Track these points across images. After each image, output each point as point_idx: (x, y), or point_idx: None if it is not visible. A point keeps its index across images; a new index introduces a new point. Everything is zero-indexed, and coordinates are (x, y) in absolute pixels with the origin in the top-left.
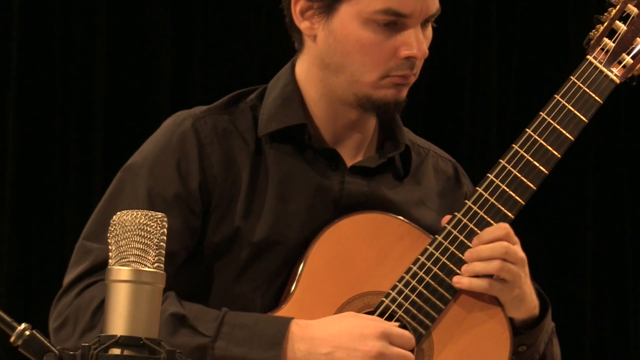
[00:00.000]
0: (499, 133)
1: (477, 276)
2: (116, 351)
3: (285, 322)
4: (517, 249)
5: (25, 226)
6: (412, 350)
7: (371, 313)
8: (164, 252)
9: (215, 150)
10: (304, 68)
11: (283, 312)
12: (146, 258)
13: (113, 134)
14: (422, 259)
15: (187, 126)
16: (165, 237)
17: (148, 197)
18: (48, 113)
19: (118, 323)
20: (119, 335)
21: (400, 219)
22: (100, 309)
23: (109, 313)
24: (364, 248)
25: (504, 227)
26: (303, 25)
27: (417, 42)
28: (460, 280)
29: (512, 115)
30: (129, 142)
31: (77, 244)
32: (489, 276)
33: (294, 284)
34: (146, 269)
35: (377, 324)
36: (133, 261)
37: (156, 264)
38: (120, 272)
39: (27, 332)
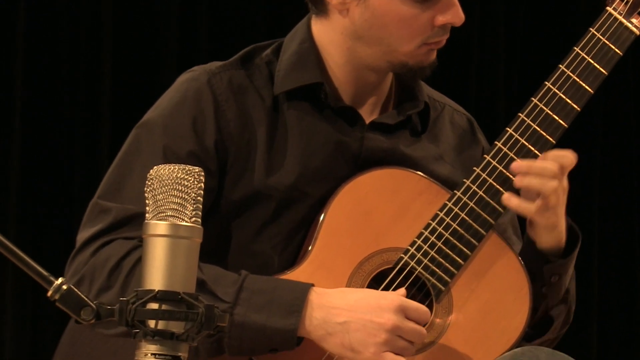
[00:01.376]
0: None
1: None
2: (154, 306)
3: (304, 289)
4: (565, 177)
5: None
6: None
7: (390, 270)
8: (201, 206)
9: (231, 106)
10: (327, 33)
11: (302, 269)
12: (184, 212)
13: (120, 111)
14: (441, 214)
15: (203, 82)
16: (202, 192)
17: (163, 154)
18: (55, 89)
19: (156, 278)
20: (156, 290)
21: (419, 175)
22: (116, 269)
23: (147, 267)
24: (382, 204)
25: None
26: (335, 0)
27: (454, 9)
28: (510, 199)
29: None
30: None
31: (92, 202)
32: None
33: (313, 241)
34: (184, 223)
35: (395, 297)
36: (170, 215)
37: (193, 219)
38: (158, 227)
39: (65, 287)
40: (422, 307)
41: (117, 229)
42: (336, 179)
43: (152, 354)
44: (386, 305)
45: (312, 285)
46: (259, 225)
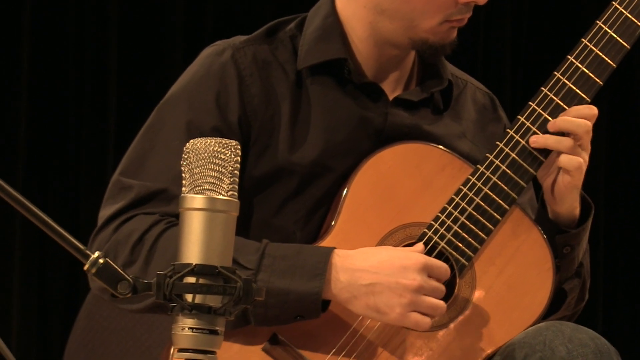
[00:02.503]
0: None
1: None
2: (191, 279)
3: (327, 253)
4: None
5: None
6: (450, 282)
7: (413, 244)
8: (237, 179)
9: (255, 81)
10: (350, 6)
11: (325, 243)
12: (220, 186)
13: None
14: (464, 189)
15: (227, 57)
16: (239, 165)
17: (187, 130)
18: (61, 77)
19: (193, 251)
20: (194, 264)
21: (442, 149)
22: (139, 243)
23: (183, 241)
24: (406, 178)
25: (592, 108)
26: None
27: None
28: (538, 140)
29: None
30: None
31: (113, 178)
32: None
33: (336, 215)
34: (220, 196)
35: (419, 256)
36: (207, 189)
37: (230, 192)
38: (195, 200)
39: (101, 260)
40: (444, 265)
41: (139, 206)
42: (359, 154)
43: (189, 327)
44: (410, 265)
45: (334, 248)
46: (281, 200)
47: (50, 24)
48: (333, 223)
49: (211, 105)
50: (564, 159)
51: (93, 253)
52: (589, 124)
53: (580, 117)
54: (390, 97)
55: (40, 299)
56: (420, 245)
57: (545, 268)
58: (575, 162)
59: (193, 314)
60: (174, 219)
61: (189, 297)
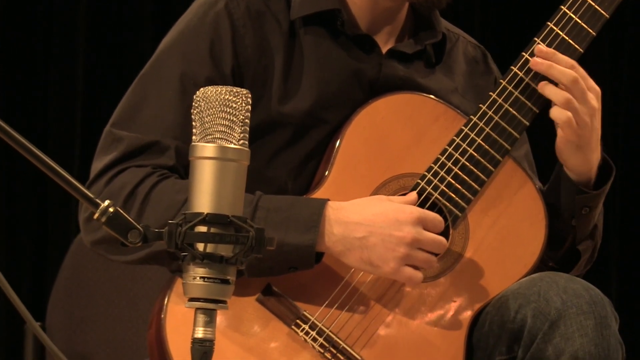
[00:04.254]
0: None
1: None
2: (203, 229)
3: (321, 205)
4: (591, 95)
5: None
6: (443, 233)
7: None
8: (248, 128)
9: (249, 32)
10: None
11: (319, 194)
12: (231, 135)
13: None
14: (457, 140)
15: (220, 7)
16: (249, 114)
17: (180, 81)
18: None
19: (204, 201)
20: (205, 213)
21: (435, 99)
22: (131, 196)
23: (194, 190)
24: (399, 129)
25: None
26: None
27: None
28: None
29: None
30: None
31: (105, 130)
32: None
33: (329, 166)
34: (232, 145)
35: (413, 209)
36: (218, 138)
37: (241, 141)
38: (206, 149)
39: (111, 209)
40: (437, 217)
41: (130, 158)
42: (352, 105)
43: (200, 277)
44: (404, 218)
45: (328, 200)
46: (274, 152)
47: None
48: (326, 174)
49: (205, 56)
50: (554, 112)
51: (83, 209)
52: (573, 74)
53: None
54: (384, 50)
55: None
56: (413, 194)
57: (538, 219)
58: (563, 116)
59: (204, 263)
60: (166, 172)
61: (200, 246)
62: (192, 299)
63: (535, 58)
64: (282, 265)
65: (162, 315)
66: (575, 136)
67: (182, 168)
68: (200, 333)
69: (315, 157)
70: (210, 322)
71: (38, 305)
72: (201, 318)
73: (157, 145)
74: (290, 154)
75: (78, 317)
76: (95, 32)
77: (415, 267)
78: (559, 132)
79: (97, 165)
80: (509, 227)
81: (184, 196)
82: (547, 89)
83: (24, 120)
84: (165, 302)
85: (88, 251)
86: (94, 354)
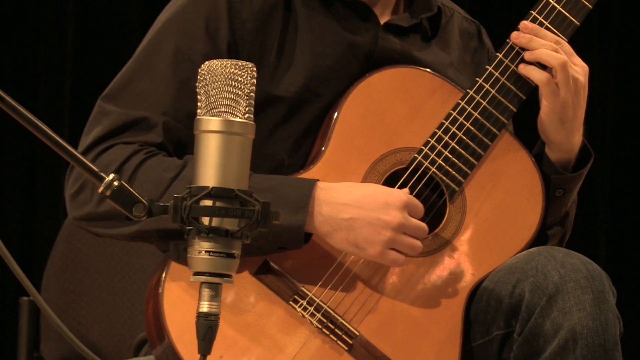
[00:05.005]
0: None
1: None
2: (208, 203)
3: (310, 185)
4: (577, 69)
5: None
6: (440, 207)
7: (404, 170)
8: (253, 102)
9: (245, 7)
10: None
11: (316, 169)
12: (237, 108)
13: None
14: (454, 114)
15: None
16: (254, 88)
17: (174, 55)
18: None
19: (209, 174)
20: (211, 187)
21: (432, 73)
22: (118, 173)
23: (199, 164)
24: (396, 103)
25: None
26: None
27: None
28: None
29: None
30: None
31: (97, 103)
32: None
33: (326, 141)
34: (237, 119)
35: (401, 194)
36: (224, 111)
37: (247, 115)
38: (211, 123)
39: (116, 183)
40: (420, 205)
41: (117, 134)
42: (348, 79)
43: (205, 251)
44: (393, 202)
45: (317, 180)
46: (270, 127)
47: None
48: (323, 148)
49: (200, 31)
50: (537, 74)
51: (71, 183)
52: (564, 58)
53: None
54: (380, 22)
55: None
56: (406, 190)
57: (535, 193)
58: (542, 77)
59: (210, 237)
60: (153, 149)
61: (205, 220)
62: (197, 273)
63: (517, 32)
64: (271, 245)
65: (160, 290)
66: (559, 107)
67: (171, 145)
68: (205, 307)
69: (312, 132)
70: (215, 296)
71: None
72: (206, 292)
73: (145, 121)
74: (287, 129)
75: (72, 291)
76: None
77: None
78: (543, 102)
79: (84, 140)
80: (506, 201)
81: (171, 174)
82: (533, 72)
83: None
84: (163, 277)
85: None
86: (88, 329)
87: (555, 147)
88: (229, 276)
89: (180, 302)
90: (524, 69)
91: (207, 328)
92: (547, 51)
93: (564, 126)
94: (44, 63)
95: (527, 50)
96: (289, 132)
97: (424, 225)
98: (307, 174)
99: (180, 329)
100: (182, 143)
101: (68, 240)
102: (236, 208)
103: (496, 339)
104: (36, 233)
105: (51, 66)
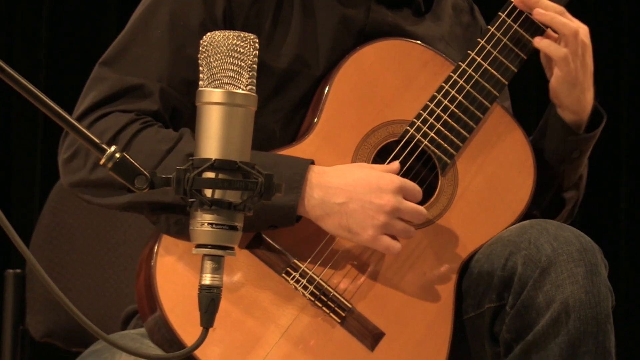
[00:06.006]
0: None
1: None
2: (211, 175)
3: (304, 166)
4: (583, 31)
5: None
6: (432, 180)
7: (396, 142)
8: (256, 74)
9: None
10: None
11: (308, 141)
12: (239, 80)
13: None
14: (446, 86)
15: None
16: (257, 59)
17: (169, 22)
18: None
19: (212, 146)
20: (213, 159)
21: (424, 46)
22: (114, 142)
23: (202, 136)
24: (388, 75)
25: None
26: None
27: None
28: (541, 41)
29: None
30: None
31: (95, 68)
32: None
33: (318, 113)
34: (240, 91)
35: (394, 177)
36: (226, 83)
37: (249, 87)
38: (213, 94)
39: (118, 155)
40: (416, 187)
41: (113, 101)
42: (341, 51)
43: (208, 223)
44: (386, 186)
45: (312, 162)
46: (262, 99)
47: None
48: (315, 120)
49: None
50: (552, 47)
51: (65, 149)
52: (575, 27)
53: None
54: None
55: None
56: (395, 164)
57: (526, 166)
58: (561, 53)
59: (213, 209)
60: (149, 119)
61: (208, 193)
62: (199, 246)
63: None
64: (262, 223)
65: (152, 263)
66: (572, 74)
67: (166, 113)
68: (207, 280)
69: (304, 104)
70: (217, 268)
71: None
72: (209, 264)
73: (141, 88)
74: (279, 101)
75: (58, 264)
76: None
77: (393, 237)
78: (556, 70)
79: (79, 107)
80: (498, 174)
81: (166, 146)
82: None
83: None
84: (155, 249)
85: (68, 198)
86: (74, 301)
87: (567, 110)
88: (232, 248)
89: (172, 274)
90: (539, 43)
91: (209, 301)
92: (561, 19)
93: (576, 89)
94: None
95: (536, 9)
96: (281, 104)
97: (420, 208)
98: (298, 147)
99: (173, 300)
100: (177, 111)
101: (54, 212)
102: (239, 180)
103: (488, 312)
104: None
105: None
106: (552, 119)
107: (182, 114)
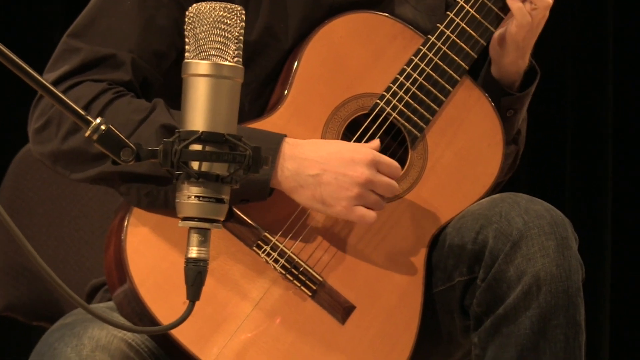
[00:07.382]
0: None
1: None
2: (198, 147)
3: (278, 139)
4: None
5: None
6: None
7: (366, 115)
8: (242, 45)
9: None
10: None
11: (279, 114)
12: (226, 52)
13: None
14: (415, 60)
15: None
16: (243, 31)
17: None
18: None
19: (198, 119)
20: (200, 131)
21: (392, 19)
22: (86, 111)
23: (188, 108)
24: (357, 48)
25: None
26: None
27: None
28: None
29: None
30: None
31: (62, 39)
32: None
33: (288, 87)
34: (226, 62)
35: (368, 150)
36: (213, 55)
37: (236, 58)
38: (200, 66)
39: (103, 127)
40: (394, 163)
41: (85, 70)
42: (310, 24)
43: (195, 196)
44: (359, 158)
45: (285, 135)
46: None
47: None
48: (285, 93)
49: None
50: (520, 9)
51: (36, 118)
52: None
53: None
54: None
55: None
56: (376, 141)
57: (495, 140)
58: (526, 20)
59: (199, 182)
60: (122, 89)
61: (195, 165)
62: (185, 218)
63: None
64: (234, 197)
65: (122, 236)
66: (525, 38)
67: (137, 83)
68: (194, 253)
69: (273, 78)
70: (204, 241)
71: None
72: (195, 237)
73: (113, 58)
74: (248, 73)
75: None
76: None
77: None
78: (512, 28)
79: (50, 76)
80: (468, 148)
81: (139, 116)
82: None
83: None
84: (126, 222)
85: (28, 171)
86: (36, 275)
87: (503, 69)
88: (218, 221)
89: (142, 246)
90: (513, 4)
91: (196, 274)
92: None
93: (519, 51)
94: None
95: None
96: (250, 77)
97: (393, 182)
98: (269, 120)
99: (144, 273)
100: (147, 82)
101: (14, 186)
102: (226, 153)
103: (458, 285)
104: None
105: None
106: (486, 79)
107: (153, 85)
